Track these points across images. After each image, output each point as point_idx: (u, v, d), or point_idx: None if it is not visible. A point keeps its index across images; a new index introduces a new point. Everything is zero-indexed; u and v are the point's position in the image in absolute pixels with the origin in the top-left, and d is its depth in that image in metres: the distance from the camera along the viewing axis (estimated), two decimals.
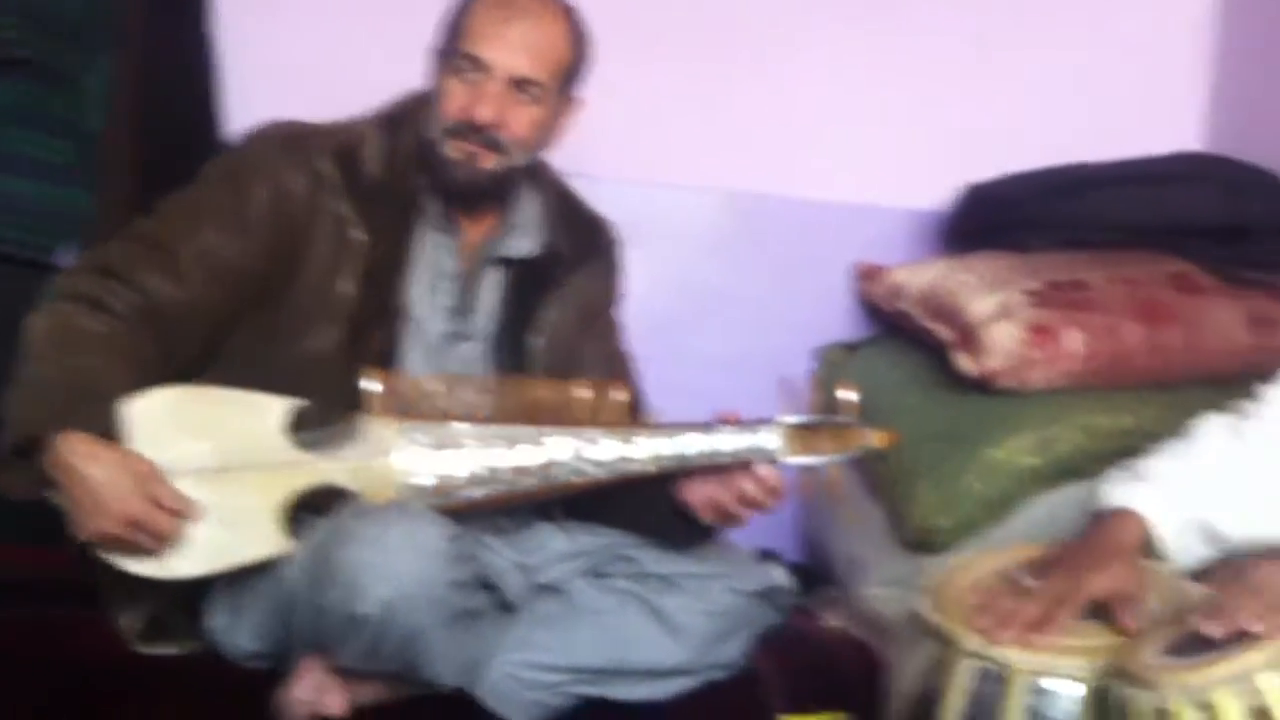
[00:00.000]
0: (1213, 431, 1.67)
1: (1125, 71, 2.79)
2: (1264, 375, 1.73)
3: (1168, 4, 2.82)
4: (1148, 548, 1.55)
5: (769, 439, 1.68)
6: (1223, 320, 2.28)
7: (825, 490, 1.70)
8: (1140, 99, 2.79)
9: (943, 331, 2.33)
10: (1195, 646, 1.25)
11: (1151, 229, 2.46)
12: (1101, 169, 2.57)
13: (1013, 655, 1.37)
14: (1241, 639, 1.22)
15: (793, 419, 1.69)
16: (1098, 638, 1.39)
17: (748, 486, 1.66)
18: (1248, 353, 2.25)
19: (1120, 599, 1.42)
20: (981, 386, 2.22)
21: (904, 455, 2.14)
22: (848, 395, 1.68)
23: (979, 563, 1.61)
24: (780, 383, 1.71)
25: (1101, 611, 1.43)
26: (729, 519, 1.71)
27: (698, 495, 1.70)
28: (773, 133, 2.66)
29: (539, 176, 1.92)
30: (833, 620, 2.21)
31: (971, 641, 1.39)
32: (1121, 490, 1.59)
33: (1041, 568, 1.50)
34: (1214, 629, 1.25)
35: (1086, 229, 2.47)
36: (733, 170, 2.65)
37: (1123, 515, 1.55)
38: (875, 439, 1.71)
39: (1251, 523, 1.60)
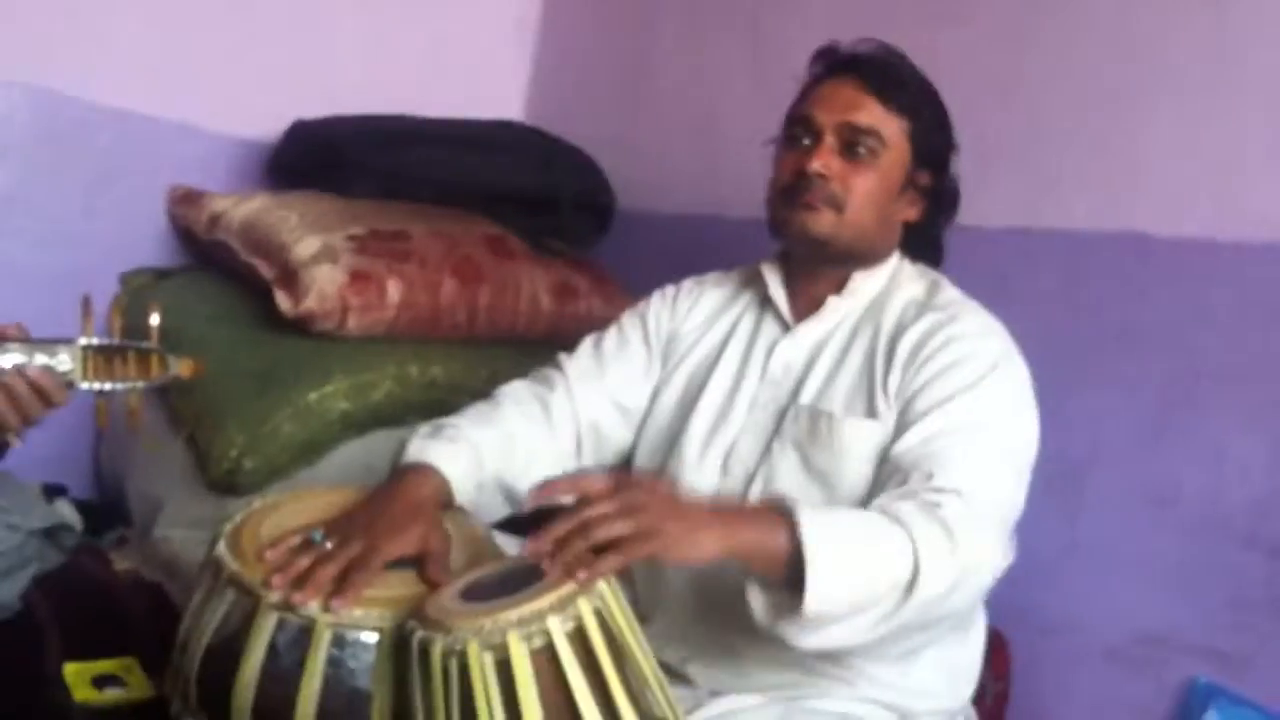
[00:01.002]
0: (515, 398, 1.72)
1: (461, 35, 2.89)
2: (564, 339, 1.83)
3: None
4: (449, 502, 1.57)
5: (62, 360, 1.51)
6: (530, 286, 2.39)
7: (124, 420, 1.57)
8: (471, 64, 2.91)
9: (263, 268, 2.25)
10: (493, 592, 1.30)
11: (470, 191, 2.55)
12: (427, 125, 2.62)
13: (315, 608, 1.33)
14: (539, 583, 1.28)
15: (91, 341, 1.53)
16: (402, 588, 1.39)
17: (19, 387, 1.48)
18: (551, 318, 2.39)
19: (426, 557, 1.43)
20: (299, 328, 2.17)
21: (212, 391, 2.04)
22: (153, 320, 1.56)
23: (281, 508, 1.54)
24: (79, 303, 1.54)
25: (408, 561, 1.44)
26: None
27: None
28: (87, 32, 2.42)
29: None
30: (123, 562, 2.06)
31: (274, 594, 1.34)
32: (427, 447, 1.59)
33: (340, 525, 1.45)
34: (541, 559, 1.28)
35: (407, 182, 2.51)
36: (37, 65, 2.38)
37: (425, 471, 1.56)
38: (180, 367, 1.59)
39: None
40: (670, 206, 2.66)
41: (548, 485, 1.33)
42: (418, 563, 1.43)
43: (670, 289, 1.81)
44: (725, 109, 2.57)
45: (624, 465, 1.78)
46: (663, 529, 1.28)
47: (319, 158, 2.53)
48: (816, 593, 1.29)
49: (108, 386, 1.54)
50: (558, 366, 1.77)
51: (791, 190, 1.59)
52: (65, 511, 2.06)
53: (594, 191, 2.66)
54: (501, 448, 1.63)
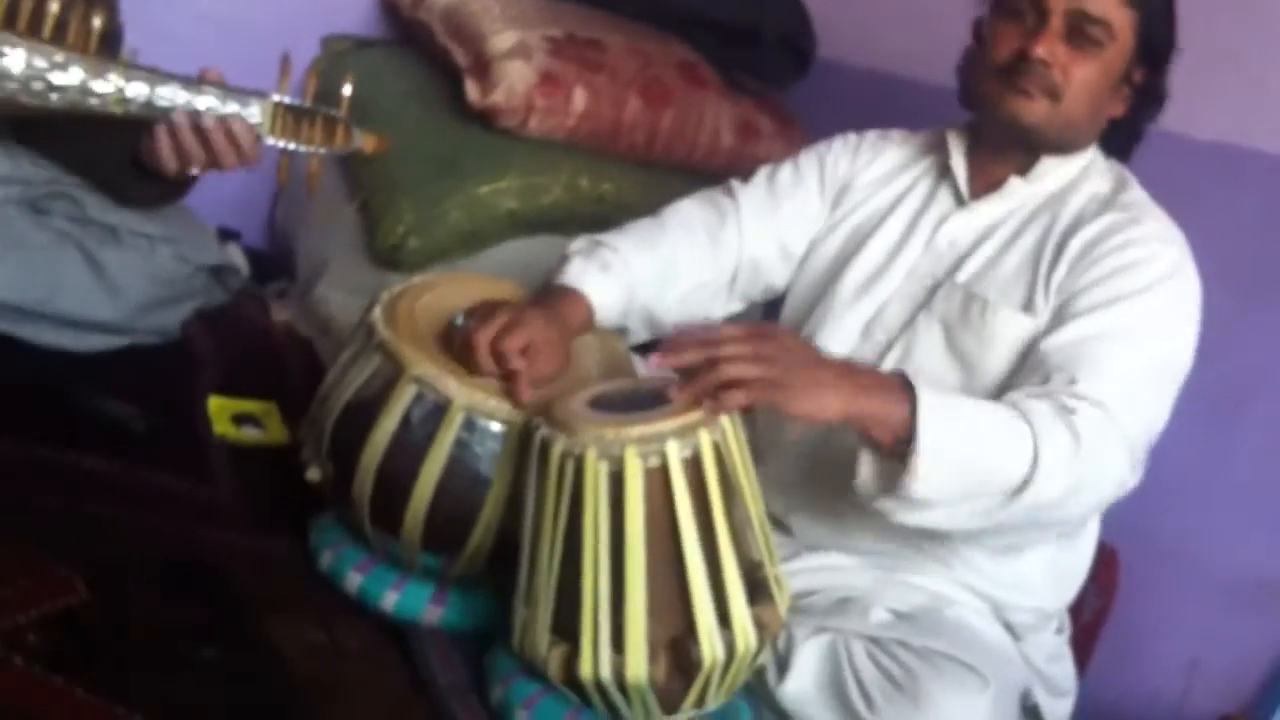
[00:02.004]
0: (682, 221, 1.70)
1: None
2: (737, 178, 1.81)
3: None
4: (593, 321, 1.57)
5: (254, 112, 1.57)
6: (714, 119, 2.36)
7: (303, 181, 1.62)
8: None
9: (458, 54, 2.27)
10: (620, 407, 1.33)
11: (674, 10, 2.50)
12: None
13: (453, 387, 1.38)
14: (665, 406, 1.30)
15: (283, 99, 1.58)
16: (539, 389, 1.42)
17: (218, 137, 1.55)
18: (729, 154, 2.37)
19: (511, 338, 1.41)
20: (483, 119, 2.19)
21: (390, 167, 2.09)
22: (345, 90, 1.60)
23: (439, 287, 1.58)
24: (280, 59, 1.59)
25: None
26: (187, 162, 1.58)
27: (164, 142, 1.56)
28: None
29: None
30: (281, 313, 2.16)
31: (418, 366, 1.39)
32: (583, 273, 1.57)
33: (484, 310, 1.46)
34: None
35: None
36: None
37: (575, 297, 1.55)
38: (364, 141, 1.63)
39: (691, 309, 1.68)
40: (871, 61, 2.57)
41: (678, 341, 1.33)
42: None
43: (854, 136, 1.77)
44: None
45: (769, 308, 1.77)
46: (790, 381, 1.29)
47: None
48: (921, 474, 1.29)
49: (292, 146, 1.59)
50: (730, 193, 1.74)
51: (1009, 71, 1.52)
52: (235, 255, 2.15)
53: (797, 31, 2.59)
54: (657, 277, 1.63)
